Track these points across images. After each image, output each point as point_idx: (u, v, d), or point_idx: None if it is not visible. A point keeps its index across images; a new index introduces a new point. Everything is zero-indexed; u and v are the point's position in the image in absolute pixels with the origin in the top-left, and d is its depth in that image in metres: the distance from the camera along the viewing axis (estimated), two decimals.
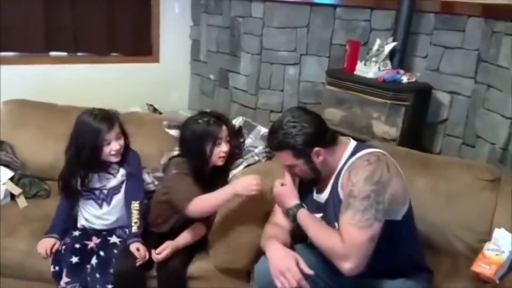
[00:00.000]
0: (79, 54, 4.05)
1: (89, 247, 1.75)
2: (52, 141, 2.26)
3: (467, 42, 3.07)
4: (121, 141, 1.77)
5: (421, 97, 3.05)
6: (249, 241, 1.75)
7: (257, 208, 1.75)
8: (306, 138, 1.41)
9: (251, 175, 1.59)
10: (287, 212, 1.54)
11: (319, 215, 1.53)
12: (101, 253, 1.72)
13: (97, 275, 1.65)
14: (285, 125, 1.43)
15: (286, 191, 1.54)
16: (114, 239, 1.79)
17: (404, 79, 3.02)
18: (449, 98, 3.25)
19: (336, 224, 1.42)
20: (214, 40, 4.29)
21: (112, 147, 1.73)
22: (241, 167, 1.90)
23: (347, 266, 1.29)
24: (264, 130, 2.07)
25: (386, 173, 1.36)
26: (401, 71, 3.12)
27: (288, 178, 1.56)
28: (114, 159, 1.77)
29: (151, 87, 4.31)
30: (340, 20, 3.68)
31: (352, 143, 1.50)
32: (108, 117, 1.74)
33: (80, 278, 1.66)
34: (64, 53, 3.99)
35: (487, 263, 1.70)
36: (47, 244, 1.74)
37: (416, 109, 3.01)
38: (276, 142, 1.45)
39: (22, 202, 1.99)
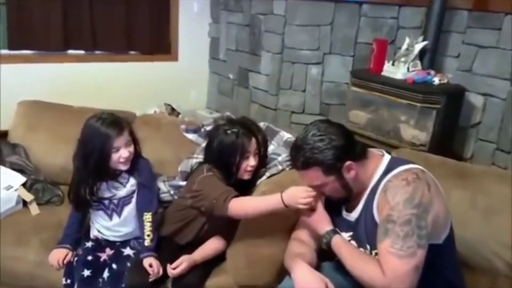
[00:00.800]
0: (97, 52, 4.00)
1: (101, 259, 1.66)
2: (67, 144, 2.12)
3: (503, 41, 2.89)
4: (131, 148, 1.66)
5: (453, 100, 2.89)
6: (271, 256, 1.64)
7: (280, 221, 1.63)
8: (336, 151, 1.29)
9: (301, 186, 1.41)
10: (320, 239, 1.42)
11: (348, 234, 1.41)
12: (114, 266, 1.63)
13: None
14: (311, 140, 1.30)
15: (318, 217, 1.41)
16: (128, 251, 1.70)
17: (436, 80, 2.86)
18: (483, 100, 3.07)
19: (368, 246, 1.32)
20: (234, 38, 4.18)
21: (121, 154, 1.62)
22: (264, 177, 1.78)
23: None
24: (287, 136, 1.95)
25: (427, 194, 1.23)
26: (432, 72, 2.95)
27: (318, 201, 1.43)
28: (123, 167, 1.66)
29: (169, 86, 4.24)
30: (366, 18, 3.53)
31: (386, 158, 1.37)
32: (117, 122, 1.63)
33: None
34: (82, 51, 3.95)
35: None
36: (59, 255, 1.66)
37: (448, 113, 2.84)
38: (302, 159, 1.31)
39: (34, 209, 1.93)
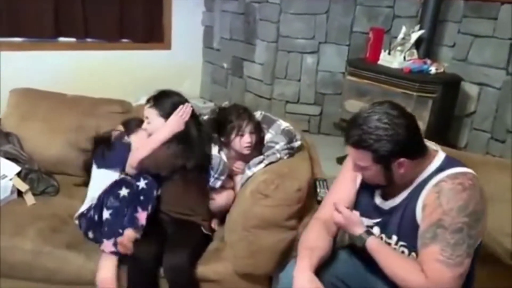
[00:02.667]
0: (89, 40, 3.93)
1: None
2: (61, 133, 2.16)
3: (499, 31, 2.89)
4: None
5: (449, 89, 2.89)
6: (272, 246, 1.63)
7: (280, 211, 1.62)
8: (394, 146, 1.18)
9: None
10: (354, 240, 1.36)
11: (375, 220, 1.37)
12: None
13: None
14: (374, 124, 1.18)
15: (347, 219, 1.34)
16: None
17: (432, 69, 2.86)
18: (478, 90, 3.09)
19: (395, 237, 1.29)
20: (228, 27, 4.14)
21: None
22: (262, 165, 1.76)
23: None
24: (285, 125, 1.94)
25: (480, 202, 1.18)
26: (428, 61, 2.95)
27: (341, 205, 1.36)
28: None
29: (162, 75, 4.17)
30: (362, 7, 3.52)
31: (441, 155, 1.29)
32: None
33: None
34: (73, 39, 3.88)
35: None
36: None
37: (444, 102, 2.85)
38: (357, 138, 1.21)
39: (29, 199, 1.89)
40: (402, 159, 1.21)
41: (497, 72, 2.93)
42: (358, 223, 1.34)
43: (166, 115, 1.81)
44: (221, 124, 1.85)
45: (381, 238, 1.36)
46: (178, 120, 1.80)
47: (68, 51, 3.82)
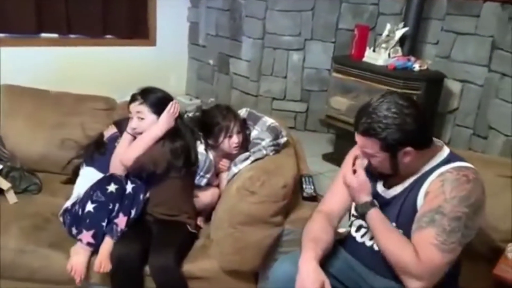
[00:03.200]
0: (72, 36, 3.87)
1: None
2: (44, 130, 2.12)
3: (481, 28, 2.94)
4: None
5: (433, 86, 2.93)
6: (258, 242, 1.63)
7: (266, 208, 1.62)
8: (402, 135, 1.20)
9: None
10: (357, 207, 1.37)
11: None
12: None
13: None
14: (383, 112, 1.21)
15: (360, 185, 1.34)
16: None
17: (416, 66, 2.89)
18: (460, 86, 3.14)
19: (393, 225, 1.30)
20: (214, 23, 4.12)
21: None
22: (248, 161, 1.77)
23: (417, 285, 1.19)
24: (270, 121, 1.94)
25: (481, 196, 1.22)
26: (412, 58, 2.99)
27: (359, 169, 1.36)
28: None
29: (147, 72, 4.13)
30: (347, 4, 3.54)
31: (446, 149, 1.33)
32: None
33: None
34: (56, 35, 3.81)
35: (510, 266, 1.60)
36: None
37: (428, 99, 2.89)
38: (366, 126, 1.23)
39: (11, 197, 1.86)
40: (408, 148, 1.23)
41: (479, 69, 2.99)
42: (368, 191, 1.34)
43: (158, 112, 1.79)
44: (207, 126, 1.85)
45: None
46: (170, 116, 1.78)
47: (51, 47, 3.76)
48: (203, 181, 1.81)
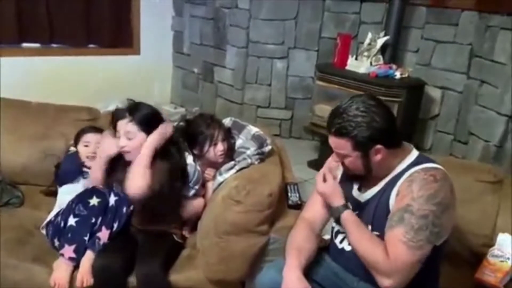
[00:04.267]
0: (54, 45, 3.83)
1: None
2: (26, 142, 2.09)
3: (459, 37, 3.02)
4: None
5: (414, 93, 2.99)
6: (243, 251, 1.63)
7: (251, 217, 1.63)
8: (372, 132, 1.26)
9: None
10: (331, 211, 1.42)
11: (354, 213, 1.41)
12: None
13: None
14: (353, 112, 1.27)
15: (331, 189, 1.40)
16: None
17: (397, 74, 2.95)
18: (441, 93, 3.21)
19: (369, 227, 1.34)
20: (198, 32, 4.13)
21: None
22: (233, 170, 1.77)
23: (387, 283, 1.22)
24: (255, 130, 1.95)
25: (449, 196, 1.26)
26: (394, 66, 3.04)
27: (327, 174, 1.42)
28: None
29: (131, 81, 4.13)
30: (329, 13, 3.59)
31: (415, 152, 1.37)
32: None
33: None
34: (38, 45, 3.76)
35: (492, 270, 1.63)
36: None
37: (409, 106, 2.95)
38: (338, 127, 1.29)
39: None
40: (379, 146, 1.28)
41: (459, 76, 3.06)
42: (340, 195, 1.39)
43: (148, 130, 1.73)
44: (191, 136, 1.84)
45: None
46: (160, 135, 1.73)
47: (33, 57, 3.71)
48: (192, 192, 1.80)
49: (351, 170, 1.38)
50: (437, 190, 1.23)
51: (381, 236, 1.32)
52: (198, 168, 1.82)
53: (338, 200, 1.39)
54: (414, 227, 1.21)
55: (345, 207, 1.38)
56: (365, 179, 1.39)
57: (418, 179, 1.26)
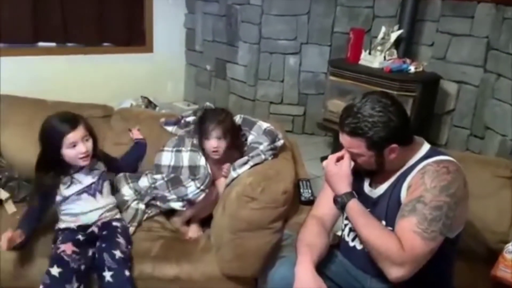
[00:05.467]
0: (69, 44, 3.88)
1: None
2: None
3: (476, 29, 2.96)
4: (89, 144, 1.68)
5: (428, 88, 2.94)
6: (258, 248, 1.63)
7: (266, 214, 1.62)
8: (388, 133, 1.22)
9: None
10: (335, 199, 1.35)
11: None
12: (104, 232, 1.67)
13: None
14: (368, 111, 1.23)
15: (340, 174, 1.32)
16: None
17: (412, 68, 2.90)
18: (456, 87, 3.15)
19: (384, 222, 1.31)
20: (210, 29, 4.14)
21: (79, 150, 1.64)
22: (247, 166, 1.76)
23: (399, 273, 1.19)
24: (266, 125, 1.95)
25: (462, 188, 1.23)
26: (408, 60, 3.00)
27: (346, 159, 1.34)
28: (83, 163, 1.68)
29: (144, 78, 4.17)
30: (342, 7, 3.56)
31: (426, 145, 1.35)
32: (71, 118, 1.67)
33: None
34: (53, 44, 3.82)
35: (508, 267, 1.60)
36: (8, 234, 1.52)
37: (424, 100, 2.90)
38: (353, 126, 1.25)
39: (10, 207, 1.86)
40: (394, 145, 1.25)
41: (475, 70, 3.00)
42: (346, 181, 1.32)
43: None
44: (198, 124, 1.89)
45: None
46: None
47: (48, 56, 3.77)
48: (201, 196, 1.79)
49: (362, 167, 1.35)
50: (450, 181, 1.21)
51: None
52: (209, 171, 1.82)
53: (345, 187, 1.32)
54: (427, 218, 1.18)
55: (352, 195, 1.31)
56: (375, 174, 1.37)
57: (430, 171, 1.24)
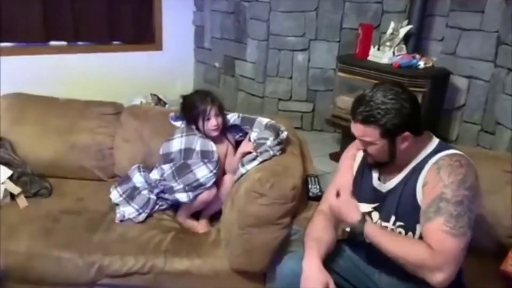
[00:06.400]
0: (79, 43, 3.94)
1: None
2: (53, 136, 2.15)
3: (486, 24, 2.93)
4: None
5: (438, 83, 2.92)
6: (266, 244, 1.64)
7: (275, 210, 1.63)
8: (401, 120, 1.22)
9: None
10: (353, 230, 1.35)
11: (374, 205, 1.38)
12: None
13: None
14: (381, 99, 1.22)
15: (346, 205, 1.35)
16: None
17: (421, 64, 2.89)
18: (467, 83, 3.12)
19: (393, 217, 1.31)
20: (219, 26, 4.15)
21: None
22: (255, 162, 1.77)
23: (440, 278, 1.17)
24: (266, 120, 1.96)
25: (476, 180, 1.24)
26: (417, 56, 2.98)
27: (346, 190, 1.37)
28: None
29: (154, 76, 4.20)
30: (351, 3, 3.54)
31: (435, 139, 1.35)
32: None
33: None
34: (64, 43, 3.87)
35: None
36: None
37: (434, 96, 2.88)
38: (366, 114, 1.24)
39: (22, 201, 1.90)
40: (406, 133, 1.25)
41: (485, 64, 2.97)
42: (354, 210, 1.34)
43: None
44: (188, 112, 1.93)
45: (380, 224, 1.36)
46: None
47: (59, 54, 3.82)
48: (213, 180, 1.85)
49: (373, 157, 1.34)
50: (465, 174, 1.22)
51: (407, 226, 1.30)
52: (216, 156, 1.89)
53: (355, 214, 1.32)
54: (453, 214, 1.18)
55: (364, 220, 1.32)
56: (385, 167, 1.36)
57: (444, 166, 1.24)
